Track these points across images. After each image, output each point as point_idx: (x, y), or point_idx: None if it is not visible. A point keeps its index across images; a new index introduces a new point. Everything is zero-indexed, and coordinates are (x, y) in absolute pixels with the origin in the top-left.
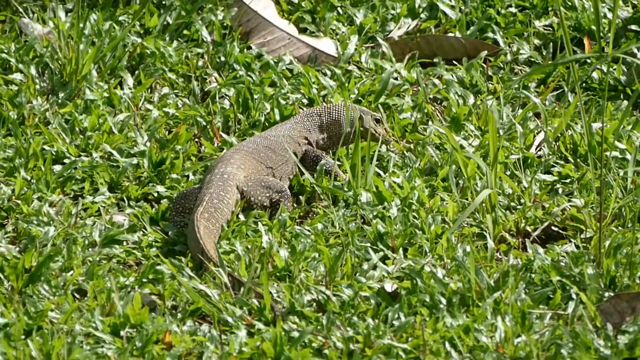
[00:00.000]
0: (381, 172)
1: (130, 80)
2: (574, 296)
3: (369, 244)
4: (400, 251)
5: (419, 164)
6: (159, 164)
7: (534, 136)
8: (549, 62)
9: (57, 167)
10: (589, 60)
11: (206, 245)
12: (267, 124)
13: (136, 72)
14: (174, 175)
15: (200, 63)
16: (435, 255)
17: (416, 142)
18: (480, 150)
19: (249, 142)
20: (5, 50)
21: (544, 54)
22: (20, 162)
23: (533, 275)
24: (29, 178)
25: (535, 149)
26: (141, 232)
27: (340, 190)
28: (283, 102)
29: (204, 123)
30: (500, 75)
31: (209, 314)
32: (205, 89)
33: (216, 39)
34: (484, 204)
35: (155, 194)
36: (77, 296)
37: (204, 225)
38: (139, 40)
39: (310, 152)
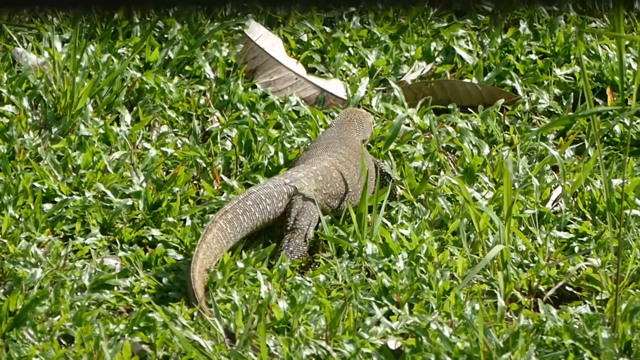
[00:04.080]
0: (389, 223)
1: (127, 117)
2: None
3: (373, 298)
4: (406, 307)
5: (429, 216)
6: (154, 206)
7: (551, 191)
8: (569, 113)
9: (47, 206)
10: (611, 113)
11: (194, 271)
12: (270, 169)
13: (134, 108)
14: (170, 219)
15: (202, 101)
16: (443, 312)
17: (427, 193)
18: (494, 204)
19: (351, 143)
20: None
21: (564, 104)
22: (9, 199)
23: (544, 337)
24: (17, 216)
25: (552, 205)
26: (133, 277)
27: (344, 240)
28: (288, 145)
29: (204, 165)
30: (517, 125)
31: None
32: (207, 129)
33: (220, 76)
34: (495, 261)
35: (150, 238)
36: (64, 342)
37: (213, 234)
38: (138, 74)
39: (376, 163)
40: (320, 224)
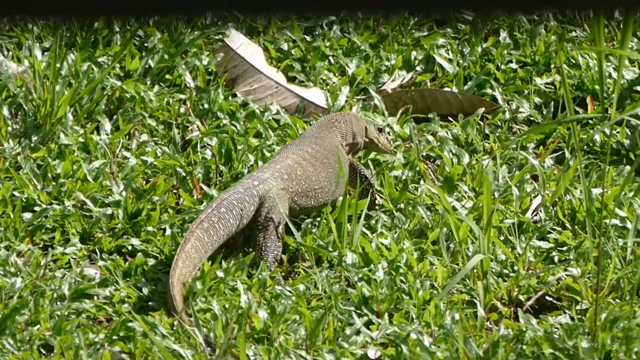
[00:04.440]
0: (368, 233)
1: (107, 126)
2: None
3: (352, 308)
4: (386, 316)
5: (409, 225)
6: (134, 215)
7: (531, 200)
8: (549, 121)
9: (27, 215)
10: (591, 122)
11: (173, 278)
12: None
13: (114, 117)
14: (149, 228)
15: (182, 110)
16: (422, 322)
17: (406, 202)
18: (474, 213)
19: (324, 143)
20: None
21: (545, 113)
22: None
23: (524, 347)
24: None
25: (532, 214)
26: (113, 287)
27: (324, 250)
28: (268, 154)
29: (184, 174)
30: (497, 134)
31: None
32: (187, 138)
33: (200, 85)
34: (475, 270)
35: (130, 247)
36: (44, 352)
37: (192, 244)
38: (119, 83)
39: (355, 165)
40: (293, 230)
